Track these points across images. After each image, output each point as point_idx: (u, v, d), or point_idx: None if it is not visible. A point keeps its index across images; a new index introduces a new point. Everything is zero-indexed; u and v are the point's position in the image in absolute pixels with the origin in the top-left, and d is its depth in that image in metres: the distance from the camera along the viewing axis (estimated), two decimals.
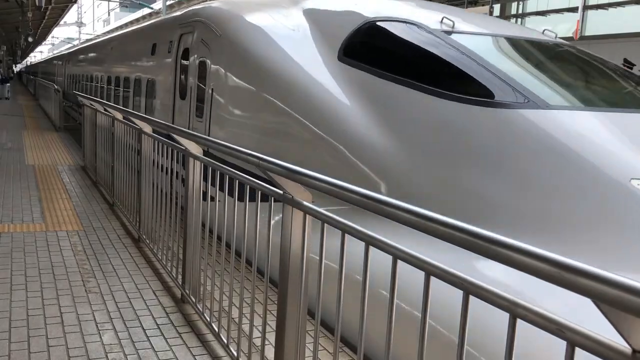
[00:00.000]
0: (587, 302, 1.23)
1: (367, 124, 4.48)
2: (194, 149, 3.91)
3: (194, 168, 3.94)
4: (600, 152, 3.65)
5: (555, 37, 6.29)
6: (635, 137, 3.91)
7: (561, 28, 20.29)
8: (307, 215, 2.56)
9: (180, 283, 4.26)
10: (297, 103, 5.04)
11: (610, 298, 1.13)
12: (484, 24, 5.91)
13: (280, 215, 2.73)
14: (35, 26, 38.54)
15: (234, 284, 3.38)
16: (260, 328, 2.98)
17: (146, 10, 54.30)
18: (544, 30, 6.32)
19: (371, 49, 5.11)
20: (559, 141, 3.70)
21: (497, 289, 1.52)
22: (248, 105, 5.84)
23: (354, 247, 2.18)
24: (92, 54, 18.23)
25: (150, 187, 5.13)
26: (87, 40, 49.90)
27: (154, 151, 5.04)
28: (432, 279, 1.75)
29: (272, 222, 2.89)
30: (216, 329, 3.48)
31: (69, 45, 65.63)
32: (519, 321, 1.45)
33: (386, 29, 5.15)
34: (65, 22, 61.57)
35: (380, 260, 2.07)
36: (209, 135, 6.19)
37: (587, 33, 19.86)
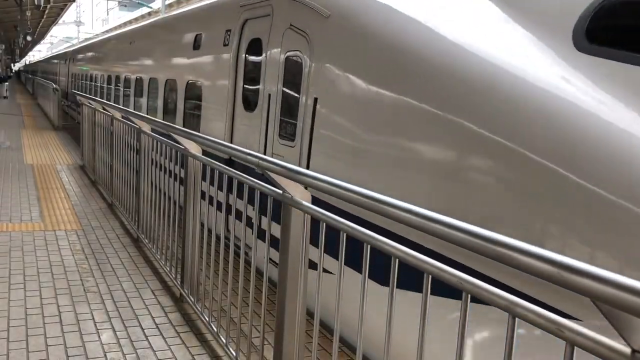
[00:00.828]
0: None
1: None
2: (194, 148, 3.91)
3: (193, 167, 3.94)
4: None
5: None
6: None
7: None
8: (307, 215, 2.56)
9: (179, 282, 4.26)
10: (517, 124, 2.81)
11: (609, 298, 1.14)
12: None
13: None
14: (33, 25, 38.48)
15: (233, 284, 3.38)
16: (259, 328, 2.98)
17: (145, 10, 54.28)
18: None
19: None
20: None
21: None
22: (403, 127, 3.43)
23: None
24: (103, 51, 15.65)
25: (149, 187, 5.13)
26: (96, 36, 47.70)
27: (153, 150, 5.03)
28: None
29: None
30: (215, 329, 3.47)
31: (68, 44, 65.36)
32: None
33: None
34: (64, 21, 61.45)
35: None
36: (308, 168, 4.19)
37: None
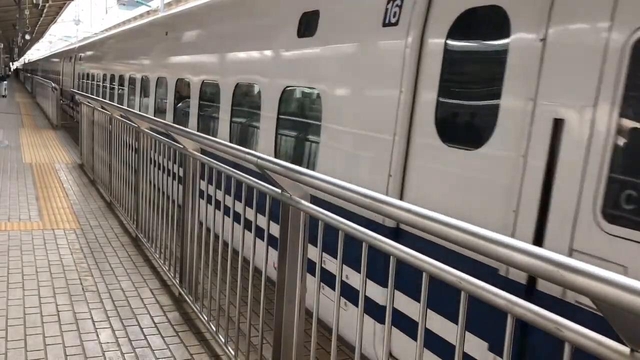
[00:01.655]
0: None
1: None
2: (193, 147, 3.91)
3: (192, 166, 3.94)
4: None
5: None
6: None
7: None
8: (305, 214, 2.56)
9: (178, 282, 4.25)
10: None
11: (609, 297, 1.13)
12: None
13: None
14: (32, 24, 38.43)
15: (231, 283, 3.37)
16: (258, 327, 2.98)
17: (144, 9, 54.22)
18: None
19: None
20: None
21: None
22: None
23: None
24: (124, 47, 12.74)
25: (147, 186, 5.12)
26: (107, 30, 44.31)
27: (151, 149, 5.02)
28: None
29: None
30: (214, 328, 3.47)
31: (70, 42, 65.15)
32: None
33: None
34: (62, 20, 61.37)
35: None
36: None
37: None
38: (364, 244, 2.07)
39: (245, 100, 5.77)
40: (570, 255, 2.33)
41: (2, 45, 50.81)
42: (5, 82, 29.79)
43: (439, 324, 2.92)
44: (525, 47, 2.64)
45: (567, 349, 1.32)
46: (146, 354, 3.43)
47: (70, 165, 10.26)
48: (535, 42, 2.57)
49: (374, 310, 3.27)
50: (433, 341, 3.01)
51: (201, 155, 3.77)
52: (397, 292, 2.60)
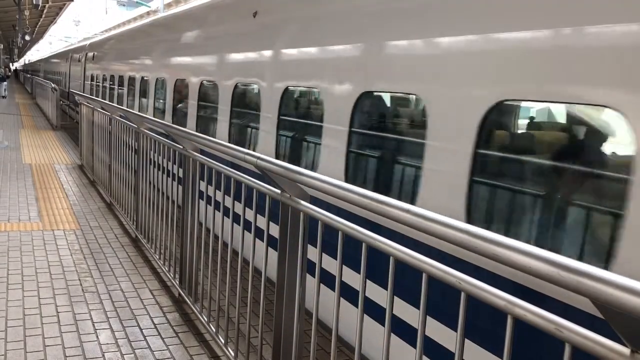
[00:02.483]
0: None
1: None
2: (192, 148, 3.90)
3: (192, 167, 3.93)
4: None
5: None
6: None
7: None
8: (305, 215, 2.55)
9: (178, 282, 4.25)
10: None
11: (608, 298, 1.13)
12: None
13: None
14: (32, 24, 38.45)
15: (231, 284, 3.37)
16: (258, 328, 2.97)
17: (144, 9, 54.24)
18: None
19: None
20: None
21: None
22: None
23: None
24: (163, 39, 9.58)
25: (147, 186, 5.12)
26: (124, 24, 40.73)
27: (151, 150, 5.02)
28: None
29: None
30: (214, 329, 3.47)
31: (66, 44, 65.03)
32: None
33: None
34: (62, 20, 61.40)
35: None
36: None
37: None
38: (363, 244, 2.06)
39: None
40: None
41: (2, 46, 50.84)
42: (5, 83, 29.79)
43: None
44: None
45: (567, 350, 1.32)
46: (146, 355, 3.42)
47: (70, 165, 10.26)
48: None
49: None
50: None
51: (201, 156, 3.77)
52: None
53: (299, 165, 4.20)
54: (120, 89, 12.18)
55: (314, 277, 2.44)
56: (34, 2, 22.13)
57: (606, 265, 2.37)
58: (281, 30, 5.40)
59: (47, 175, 9.12)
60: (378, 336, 2.13)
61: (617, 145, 2.52)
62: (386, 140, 3.97)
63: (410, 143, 3.66)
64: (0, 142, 12.56)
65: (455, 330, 1.65)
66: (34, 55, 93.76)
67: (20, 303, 4.06)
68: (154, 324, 3.85)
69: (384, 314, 1.96)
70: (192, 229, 4.00)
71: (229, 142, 5.57)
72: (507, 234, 2.49)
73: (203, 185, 3.73)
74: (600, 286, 1.15)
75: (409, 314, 3.16)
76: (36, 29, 46.15)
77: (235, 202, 3.20)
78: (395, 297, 1.98)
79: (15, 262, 4.92)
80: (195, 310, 3.86)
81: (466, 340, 1.67)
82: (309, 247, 2.58)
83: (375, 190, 2.59)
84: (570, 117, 2.76)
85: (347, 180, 4.02)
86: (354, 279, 2.38)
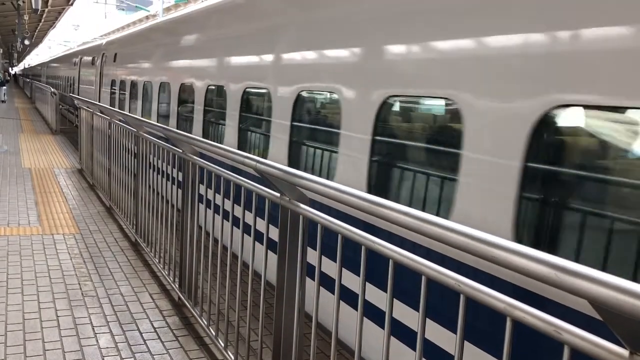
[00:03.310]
0: None
1: None
2: (191, 151, 3.91)
3: (191, 171, 3.94)
4: None
5: None
6: None
7: None
8: (304, 218, 2.55)
9: (178, 286, 4.25)
10: None
11: (607, 300, 1.13)
12: None
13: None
14: (31, 29, 38.47)
15: (231, 287, 3.37)
16: (257, 331, 2.97)
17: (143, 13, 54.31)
18: None
19: None
20: None
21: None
22: None
23: None
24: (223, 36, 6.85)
25: (147, 190, 5.12)
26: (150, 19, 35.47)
27: (151, 154, 5.02)
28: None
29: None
30: (214, 332, 3.47)
31: (65, 48, 64.99)
32: None
33: None
34: (61, 24, 61.46)
35: None
36: None
37: None
38: (362, 247, 2.07)
39: None
40: None
41: (2, 50, 50.89)
42: (4, 87, 29.80)
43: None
44: None
45: (566, 352, 1.32)
46: (146, 358, 3.42)
47: (70, 170, 10.26)
48: None
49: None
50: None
51: (200, 160, 3.77)
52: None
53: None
54: (164, 103, 8.55)
55: (314, 280, 2.44)
56: (33, 7, 22.10)
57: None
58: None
59: (47, 180, 9.12)
60: (378, 339, 2.13)
61: None
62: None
63: None
64: (0, 147, 12.56)
65: (455, 333, 1.66)
66: (33, 59, 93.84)
67: (20, 307, 4.06)
68: (154, 328, 3.84)
69: (384, 317, 1.96)
70: (191, 233, 4.00)
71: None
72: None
73: (202, 189, 3.74)
74: (599, 288, 1.15)
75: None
76: (35, 33, 46.21)
77: (235, 205, 3.21)
78: (395, 300, 1.98)
79: (14, 266, 4.92)
80: (195, 314, 3.86)
81: (466, 343, 1.67)
82: (309, 250, 2.59)
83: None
84: None
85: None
86: (353, 281, 2.38)
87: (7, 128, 16.71)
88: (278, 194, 2.66)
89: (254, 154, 3.69)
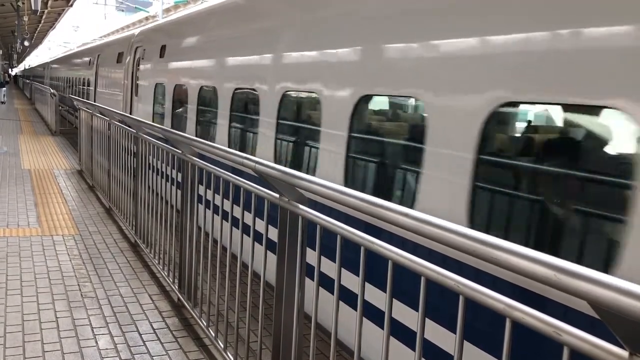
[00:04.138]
0: None
1: None
2: (191, 152, 3.91)
3: (190, 172, 3.93)
4: None
5: None
6: None
7: None
8: (303, 219, 2.55)
9: (177, 287, 4.25)
10: None
11: (606, 301, 1.13)
12: None
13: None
14: (31, 30, 38.48)
15: (230, 288, 3.37)
16: (257, 332, 2.97)
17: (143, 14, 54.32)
18: None
19: None
20: None
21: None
22: None
23: None
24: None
25: (146, 191, 5.12)
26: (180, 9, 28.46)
27: (150, 155, 5.02)
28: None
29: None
30: (213, 334, 3.46)
31: (65, 49, 64.86)
32: None
33: None
34: (61, 25, 61.47)
35: None
36: None
37: None
38: (362, 248, 2.06)
39: None
40: None
41: (1, 51, 50.90)
42: (4, 88, 29.79)
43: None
44: None
45: (565, 353, 1.32)
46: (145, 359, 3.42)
47: (69, 171, 10.26)
48: None
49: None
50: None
51: (200, 160, 3.77)
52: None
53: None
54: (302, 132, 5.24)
55: (313, 280, 2.44)
56: (33, 8, 22.06)
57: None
58: None
59: (46, 181, 9.11)
60: (377, 339, 2.13)
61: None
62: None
63: None
64: (0, 148, 12.56)
65: (454, 333, 1.65)
66: (33, 60, 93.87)
67: (19, 309, 4.05)
68: (153, 329, 3.84)
69: (383, 317, 1.96)
70: (191, 234, 4.00)
71: None
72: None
73: (202, 190, 3.74)
74: (599, 289, 1.15)
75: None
76: (35, 34, 46.21)
77: (234, 206, 3.20)
78: (394, 300, 1.98)
79: (14, 267, 4.92)
80: (195, 315, 3.86)
81: (465, 343, 1.67)
82: (308, 250, 2.59)
83: None
84: None
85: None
86: (352, 282, 2.38)
87: (6, 129, 16.71)
88: (277, 195, 2.66)
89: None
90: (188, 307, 4.00)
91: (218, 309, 3.39)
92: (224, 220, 3.39)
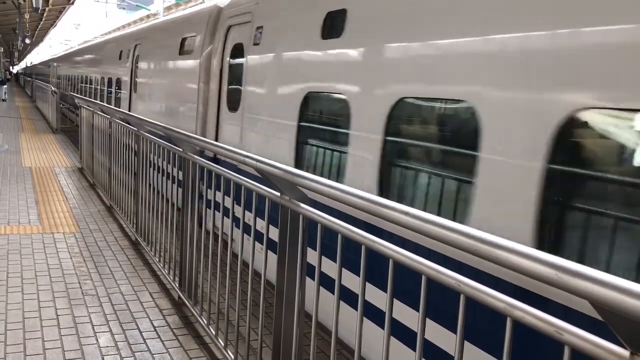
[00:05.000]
0: None
1: None
2: (192, 150, 3.91)
3: (191, 170, 3.93)
4: None
5: None
6: None
7: None
8: (305, 218, 2.55)
9: (178, 285, 4.25)
10: None
11: (608, 300, 1.13)
12: None
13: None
14: (32, 28, 38.47)
15: (231, 286, 3.37)
16: (257, 330, 2.97)
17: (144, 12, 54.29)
18: None
19: None
20: None
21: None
22: None
23: None
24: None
25: (147, 189, 5.12)
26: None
27: (151, 153, 5.02)
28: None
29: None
30: (213, 332, 3.46)
31: (66, 47, 64.57)
32: None
33: None
34: (62, 23, 61.42)
35: None
36: None
37: None
38: (362, 247, 2.06)
39: None
40: None
41: (2, 49, 50.91)
42: (5, 86, 29.79)
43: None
44: None
45: (566, 352, 1.31)
46: (145, 358, 3.42)
47: (70, 169, 10.26)
48: None
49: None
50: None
51: (200, 159, 3.77)
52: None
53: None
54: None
55: (314, 279, 2.44)
56: (34, 6, 22.05)
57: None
58: None
59: (47, 178, 9.12)
60: (378, 338, 2.12)
61: None
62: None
63: None
64: (0, 146, 12.57)
65: (455, 333, 1.65)
66: (34, 58, 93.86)
67: (20, 306, 4.06)
68: (154, 327, 3.84)
69: (384, 317, 1.96)
70: (191, 232, 4.00)
71: None
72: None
73: (203, 188, 3.74)
74: (600, 288, 1.15)
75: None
76: (36, 32, 46.20)
77: (235, 204, 3.20)
78: (395, 300, 1.98)
79: (14, 265, 4.92)
80: (195, 313, 3.86)
81: (466, 343, 1.67)
82: (309, 249, 2.59)
83: None
84: None
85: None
86: (353, 281, 2.38)
87: (7, 127, 16.72)
88: (278, 194, 2.66)
89: None
90: (189, 305, 4.01)
91: (219, 307, 3.39)
92: (225, 218, 3.39)
